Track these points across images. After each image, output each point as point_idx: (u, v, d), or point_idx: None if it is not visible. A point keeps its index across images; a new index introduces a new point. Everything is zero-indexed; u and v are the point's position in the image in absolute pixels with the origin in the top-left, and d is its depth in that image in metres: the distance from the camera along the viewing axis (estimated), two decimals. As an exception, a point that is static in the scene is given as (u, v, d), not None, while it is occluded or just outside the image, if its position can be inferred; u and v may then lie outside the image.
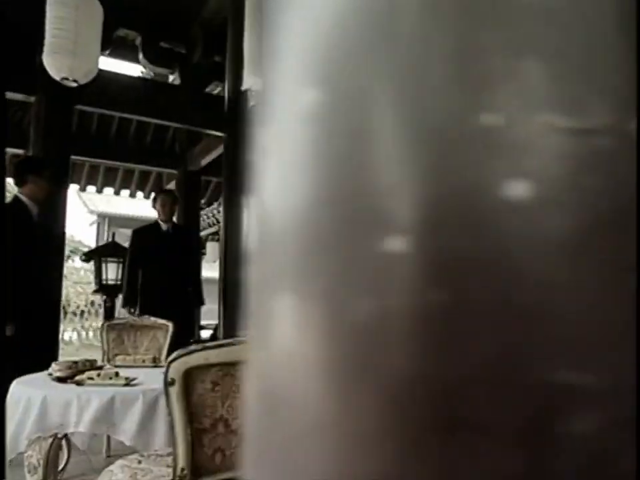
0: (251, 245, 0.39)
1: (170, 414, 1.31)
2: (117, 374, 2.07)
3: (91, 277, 13.78)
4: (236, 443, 1.41)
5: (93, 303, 13.09)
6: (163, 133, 6.32)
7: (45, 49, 2.91)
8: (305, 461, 0.23)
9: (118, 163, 6.40)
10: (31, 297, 3.44)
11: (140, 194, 7.29)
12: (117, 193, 6.99)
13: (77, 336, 12.52)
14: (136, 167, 6.57)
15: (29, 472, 1.91)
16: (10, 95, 4.18)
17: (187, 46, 5.88)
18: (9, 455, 1.94)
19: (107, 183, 6.85)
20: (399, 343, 0.20)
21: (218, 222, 8.76)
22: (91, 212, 19.71)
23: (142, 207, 11.35)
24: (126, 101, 4.45)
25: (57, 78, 2.98)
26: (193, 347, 1.31)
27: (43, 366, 3.66)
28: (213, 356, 1.31)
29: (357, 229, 0.22)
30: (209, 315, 8.02)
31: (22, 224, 3.34)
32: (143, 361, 2.65)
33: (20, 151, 5.36)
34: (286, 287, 0.25)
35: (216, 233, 9.42)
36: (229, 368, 1.34)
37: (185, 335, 3.82)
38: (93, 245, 20.23)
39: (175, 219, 4.51)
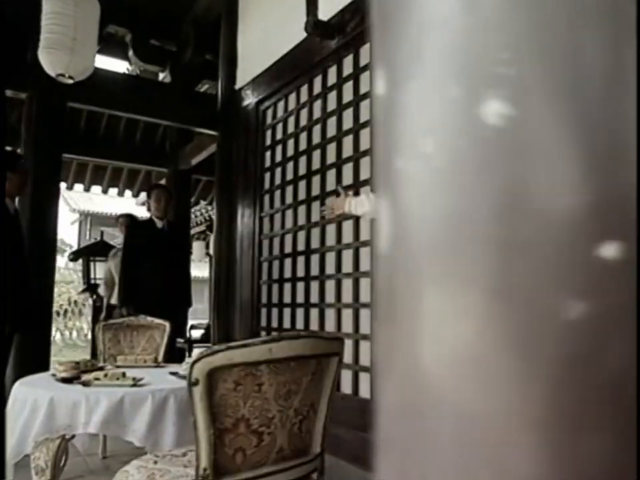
0: (388, 245, 0.39)
1: (193, 414, 1.31)
2: (124, 374, 2.06)
3: (75, 276, 13.61)
4: (256, 443, 1.41)
5: (76, 303, 12.93)
6: (152, 131, 6.27)
7: (41, 44, 2.86)
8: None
9: (106, 161, 6.33)
10: (19, 296, 3.38)
11: (128, 192, 7.24)
12: (104, 191, 6.92)
13: (59, 336, 12.36)
14: (125, 165, 6.51)
15: (37, 474, 1.89)
16: (-3, 91, 4.11)
17: (177, 44, 5.83)
18: (15, 457, 1.92)
19: (94, 181, 6.77)
20: (620, 344, 0.21)
21: (205, 220, 8.72)
22: (73, 210, 19.47)
23: (125, 206, 11.24)
24: (117, 99, 4.41)
25: (53, 74, 2.94)
26: (216, 347, 1.31)
27: (37, 366, 3.63)
28: (236, 356, 1.31)
29: (575, 233, 0.23)
30: (194, 314, 8.00)
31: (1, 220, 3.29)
32: (145, 361, 2.64)
33: (7, 148, 5.27)
34: (473, 285, 0.26)
35: (203, 232, 9.37)
36: (251, 367, 1.34)
37: (177, 335, 3.80)
38: (75, 244, 19.98)
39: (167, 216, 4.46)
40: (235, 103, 4.74)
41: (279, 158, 4.22)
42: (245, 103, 4.62)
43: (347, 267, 3.37)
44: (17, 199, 3.51)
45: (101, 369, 2.45)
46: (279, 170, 4.20)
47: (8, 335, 3.39)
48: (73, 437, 1.98)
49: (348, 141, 3.45)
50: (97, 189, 6.90)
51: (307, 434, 1.56)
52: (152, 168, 6.41)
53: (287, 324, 3.89)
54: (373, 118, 0.43)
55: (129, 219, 4.79)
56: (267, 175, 4.33)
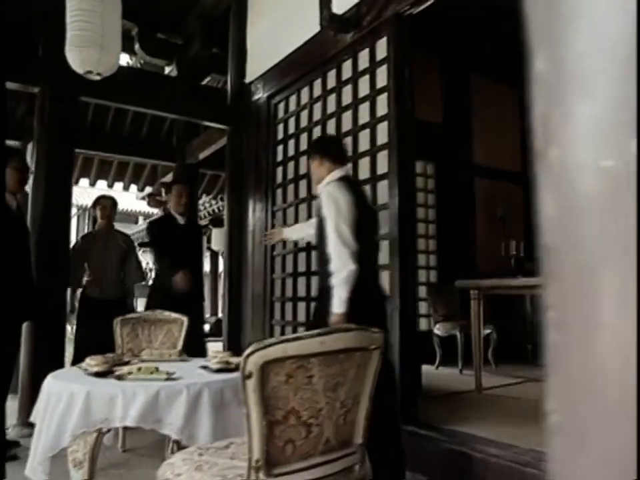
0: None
1: (245, 406, 1.33)
2: (157, 369, 2.07)
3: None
4: (305, 434, 1.43)
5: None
6: (158, 125, 6.25)
7: (69, 42, 2.84)
8: None
9: (112, 155, 6.31)
10: (25, 289, 3.40)
11: (119, 186, 7.17)
12: (110, 185, 6.90)
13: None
14: (131, 159, 6.49)
15: (75, 466, 1.91)
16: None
17: (184, 37, 5.81)
18: (52, 450, 1.93)
19: (100, 176, 6.75)
20: None
21: (209, 214, 8.71)
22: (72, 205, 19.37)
23: (123, 200, 11.18)
24: (127, 93, 4.37)
25: (81, 71, 2.92)
26: (270, 341, 1.32)
27: (52, 359, 3.65)
28: (289, 349, 1.33)
29: None
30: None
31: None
32: (170, 355, 2.65)
33: (16, 143, 5.26)
34: None
35: (205, 226, 9.36)
36: (303, 360, 1.36)
37: (201, 329, 3.80)
38: (73, 238, 19.95)
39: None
40: (245, 97, 4.74)
41: (291, 152, 4.22)
42: (255, 97, 4.62)
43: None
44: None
45: (127, 363, 2.46)
46: (291, 164, 4.20)
47: (16, 327, 3.42)
48: (109, 430, 2.00)
49: (364, 135, 3.46)
50: (99, 184, 6.87)
51: (350, 425, 1.58)
52: (158, 162, 6.39)
53: (301, 317, 3.90)
54: (534, 113, 0.44)
55: (111, 202, 4.45)
56: (279, 169, 4.33)
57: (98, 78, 3.11)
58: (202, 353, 3.72)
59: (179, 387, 1.94)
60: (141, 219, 18.62)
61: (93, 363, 2.15)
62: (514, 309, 6.06)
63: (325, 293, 2.50)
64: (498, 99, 6.70)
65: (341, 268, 2.39)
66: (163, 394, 1.90)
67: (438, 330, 5.29)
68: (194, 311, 3.78)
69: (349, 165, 3.17)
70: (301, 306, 3.93)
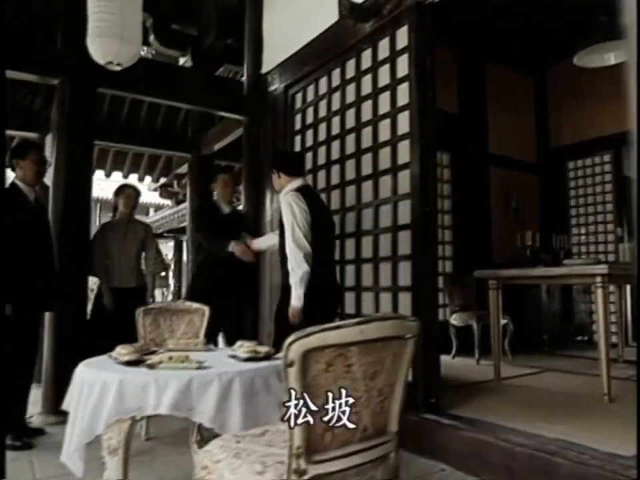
0: None
1: (287, 394, 1.34)
2: (187, 357, 2.09)
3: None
4: (344, 422, 1.44)
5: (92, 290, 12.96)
6: (173, 116, 6.27)
7: (90, 32, 2.85)
8: None
9: (128, 147, 6.33)
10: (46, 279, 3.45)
11: (133, 178, 7.18)
12: (125, 176, 6.93)
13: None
14: (146, 150, 6.51)
15: (109, 453, 1.93)
16: (21, 75, 4.10)
17: (198, 28, 5.80)
18: (87, 438, 1.95)
19: (115, 167, 6.79)
20: None
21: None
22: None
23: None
24: (145, 84, 4.37)
25: (102, 62, 2.94)
26: (311, 329, 1.33)
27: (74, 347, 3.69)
28: (330, 337, 1.33)
29: None
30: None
31: (19, 208, 3.33)
32: (195, 345, 2.67)
33: (33, 135, 5.30)
34: None
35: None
36: (343, 349, 1.37)
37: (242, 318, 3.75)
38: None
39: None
40: (261, 87, 4.73)
41: (309, 142, 4.22)
42: (272, 87, 4.61)
43: (385, 250, 3.39)
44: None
45: (154, 352, 2.48)
46: (309, 154, 4.20)
47: (36, 317, 3.48)
48: (142, 418, 2.02)
49: (384, 125, 3.45)
50: (114, 175, 6.91)
51: (386, 414, 1.58)
52: (173, 153, 6.42)
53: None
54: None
55: (135, 191, 4.42)
56: (297, 160, 4.33)
57: (118, 68, 3.13)
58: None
59: (211, 376, 1.95)
60: (152, 211, 18.69)
61: (123, 352, 2.17)
62: (528, 299, 6.05)
63: (287, 289, 2.93)
64: (514, 88, 6.65)
65: (296, 269, 2.84)
66: (195, 383, 1.92)
67: (454, 320, 5.29)
68: (242, 295, 3.72)
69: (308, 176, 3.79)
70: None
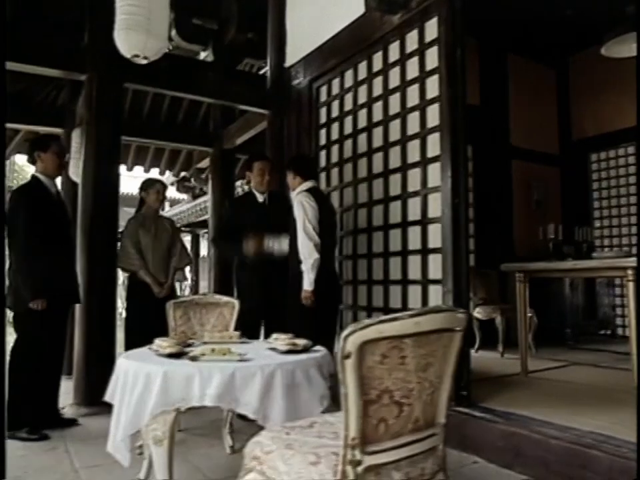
0: None
1: (343, 386, 1.35)
2: (229, 350, 2.11)
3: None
4: (397, 414, 1.45)
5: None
6: (195, 111, 6.29)
7: (117, 25, 2.88)
8: None
9: (149, 141, 6.37)
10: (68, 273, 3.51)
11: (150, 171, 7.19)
12: (146, 171, 6.97)
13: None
14: (167, 144, 6.54)
15: (155, 444, 1.96)
16: (47, 71, 4.14)
17: (220, 22, 5.80)
18: (133, 428, 1.99)
19: (137, 162, 6.83)
20: None
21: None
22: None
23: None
24: (169, 78, 4.40)
25: (128, 55, 2.97)
26: (367, 321, 1.34)
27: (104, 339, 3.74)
28: (386, 329, 1.34)
29: None
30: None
31: (41, 201, 3.37)
32: (230, 337, 2.69)
33: (58, 130, 5.35)
34: None
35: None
36: (398, 340, 1.37)
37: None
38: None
39: None
40: (285, 81, 4.73)
41: (335, 135, 4.22)
42: (296, 81, 4.61)
43: (414, 243, 3.39)
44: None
45: (190, 345, 2.51)
46: (335, 147, 4.20)
47: (63, 311, 3.53)
48: (186, 410, 2.04)
49: (413, 118, 3.44)
50: (142, 169, 6.95)
51: (435, 405, 1.59)
52: (194, 147, 6.44)
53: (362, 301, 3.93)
54: None
55: (164, 186, 4.41)
56: (323, 153, 4.33)
57: (145, 62, 3.15)
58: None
59: (254, 368, 1.97)
60: (167, 205, 18.79)
61: (165, 344, 2.19)
62: (551, 293, 6.01)
63: (297, 277, 3.32)
64: (535, 79, 6.59)
65: (308, 257, 3.26)
66: (239, 375, 1.94)
67: (478, 313, 5.28)
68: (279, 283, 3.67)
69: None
70: (348, 289, 3.95)
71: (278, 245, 3.63)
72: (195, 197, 12.43)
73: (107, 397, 2.25)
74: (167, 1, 3.04)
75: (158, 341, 2.28)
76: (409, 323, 1.37)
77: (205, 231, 12.71)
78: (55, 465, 2.82)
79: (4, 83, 3.67)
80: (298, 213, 3.35)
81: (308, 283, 3.28)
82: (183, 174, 7.81)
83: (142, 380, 1.98)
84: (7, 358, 3.27)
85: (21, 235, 3.22)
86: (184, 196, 13.57)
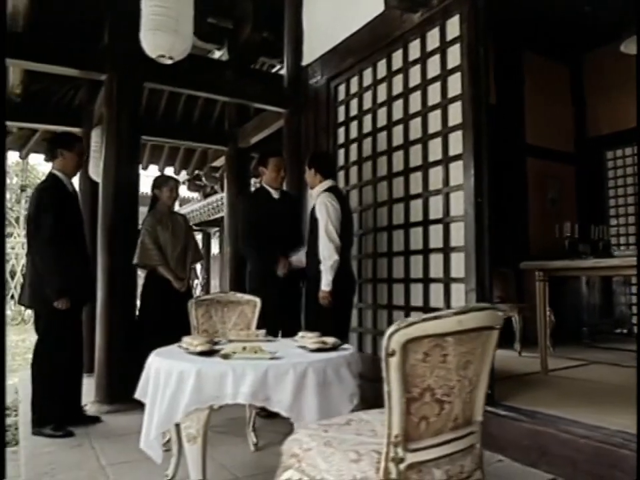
0: None
1: (387, 384, 1.35)
2: (260, 348, 2.12)
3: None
4: (438, 411, 1.45)
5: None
6: (210, 110, 6.30)
7: (144, 26, 2.89)
8: None
9: (164, 140, 6.38)
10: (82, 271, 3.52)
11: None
12: (161, 170, 6.99)
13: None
14: (182, 143, 6.56)
15: (188, 441, 1.97)
16: (66, 70, 4.15)
17: (235, 21, 5.81)
18: (166, 426, 2.00)
19: (152, 161, 6.85)
20: None
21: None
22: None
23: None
24: (188, 78, 4.38)
25: (153, 56, 2.98)
26: (411, 319, 1.34)
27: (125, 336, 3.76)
28: (429, 327, 1.35)
29: None
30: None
31: (63, 200, 3.40)
32: (257, 335, 2.70)
33: (76, 129, 5.37)
34: None
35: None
36: (440, 339, 1.38)
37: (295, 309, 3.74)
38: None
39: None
40: (302, 79, 4.74)
41: (354, 134, 4.22)
42: (313, 79, 4.61)
43: (436, 242, 3.39)
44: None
45: (216, 343, 2.52)
46: (354, 146, 4.20)
47: (78, 308, 3.54)
48: (219, 407, 2.05)
49: (434, 116, 3.44)
50: (157, 168, 6.98)
51: (472, 403, 1.60)
52: (210, 146, 6.45)
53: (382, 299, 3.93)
54: None
55: (178, 183, 4.43)
56: (341, 151, 4.33)
57: (170, 62, 3.16)
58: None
59: (286, 366, 1.98)
60: (177, 204, 18.83)
61: (195, 342, 2.21)
62: (568, 291, 5.99)
63: (315, 277, 3.34)
64: (550, 76, 6.56)
65: (328, 258, 3.27)
66: (271, 372, 1.95)
67: (495, 312, 5.25)
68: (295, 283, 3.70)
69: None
70: (368, 287, 3.95)
71: (299, 259, 3.66)
72: (205, 196, 12.46)
73: (138, 395, 2.27)
74: (192, 1, 3.04)
75: (187, 339, 2.29)
76: (452, 321, 1.37)
77: (216, 229, 12.74)
78: (82, 461, 2.85)
79: (4, 82, 3.77)
80: (320, 213, 3.35)
81: (326, 284, 3.30)
82: (197, 173, 7.82)
83: (175, 378, 2.00)
84: (29, 357, 3.38)
85: (47, 233, 3.23)
86: (194, 195, 13.62)
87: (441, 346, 1.40)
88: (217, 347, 2.26)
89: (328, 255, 3.28)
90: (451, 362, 1.43)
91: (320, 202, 3.38)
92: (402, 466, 1.39)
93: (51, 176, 3.47)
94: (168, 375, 2.03)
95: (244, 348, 2.12)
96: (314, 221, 3.42)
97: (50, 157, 3.53)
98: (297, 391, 1.97)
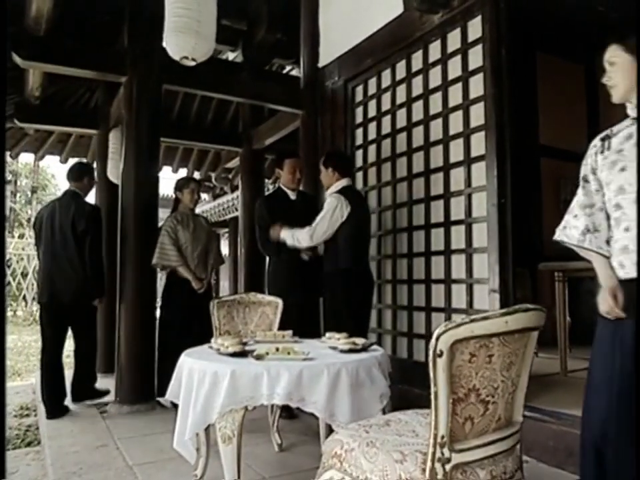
0: None
1: (434, 384, 1.36)
2: (293, 349, 2.13)
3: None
4: (482, 412, 1.46)
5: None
6: (223, 111, 6.33)
7: (167, 27, 2.91)
8: None
9: (178, 141, 6.41)
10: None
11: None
12: (175, 171, 7.02)
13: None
14: (195, 145, 6.59)
15: (224, 442, 1.98)
16: (85, 73, 4.18)
17: (249, 23, 5.82)
18: (201, 426, 2.01)
19: (166, 162, 6.87)
20: None
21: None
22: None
23: (167, 186, 11.34)
24: (205, 80, 4.37)
25: (177, 57, 3.00)
26: (459, 320, 1.35)
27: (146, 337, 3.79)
28: (477, 328, 1.35)
29: None
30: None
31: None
32: (283, 336, 2.71)
33: (93, 131, 5.40)
34: None
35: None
36: (486, 339, 1.39)
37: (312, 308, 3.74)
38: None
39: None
40: (319, 80, 4.74)
41: (372, 135, 4.22)
42: (330, 81, 4.62)
43: (458, 243, 3.39)
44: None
45: (245, 344, 2.53)
46: (372, 147, 4.21)
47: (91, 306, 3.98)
48: (254, 408, 2.07)
49: (456, 117, 3.44)
50: (170, 169, 7.00)
51: (513, 404, 1.61)
52: (223, 147, 6.47)
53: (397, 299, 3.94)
54: None
55: (199, 185, 4.45)
56: (359, 152, 4.34)
57: (193, 64, 3.18)
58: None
59: (320, 367, 1.99)
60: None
61: (227, 343, 2.22)
62: (582, 292, 5.96)
63: (332, 277, 3.40)
64: (564, 77, 6.53)
65: (298, 243, 3.43)
66: (306, 373, 1.96)
67: (511, 312, 5.24)
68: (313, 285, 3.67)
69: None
70: (387, 287, 3.96)
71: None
72: (215, 197, 12.50)
73: (168, 395, 2.29)
74: (215, 3, 3.06)
75: (219, 340, 2.30)
76: (499, 322, 1.38)
77: (226, 230, 12.76)
78: (109, 461, 2.86)
79: (4, 82, 3.80)
80: (325, 209, 3.38)
81: (288, 237, 3.46)
82: (210, 174, 7.85)
83: (209, 379, 2.01)
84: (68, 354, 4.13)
85: (99, 244, 3.97)
86: (204, 196, 13.66)
87: (486, 346, 1.40)
88: (247, 348, 2.27)
89: (302, 241, 3.42)
90: (495, 362, 1.43)
91: (329, 201, 3.40)
92: (448, 466, 1.39)
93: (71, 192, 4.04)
94: (202, 375, 2.04)
95: (277, 349, 2.13)
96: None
97: (77, 179, 4.05)
98: (331, 391, 1.98)
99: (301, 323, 3.65)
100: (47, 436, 3.38)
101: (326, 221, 3.36)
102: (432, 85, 3.64)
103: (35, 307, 12.12)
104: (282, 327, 3.21)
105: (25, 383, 5.72)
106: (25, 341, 9.10)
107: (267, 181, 8.04)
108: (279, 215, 3.70)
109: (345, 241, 3.37)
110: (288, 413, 3.48)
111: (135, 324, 3.86)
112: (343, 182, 3.49)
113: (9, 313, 12.00)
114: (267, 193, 5.50)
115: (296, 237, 3.44)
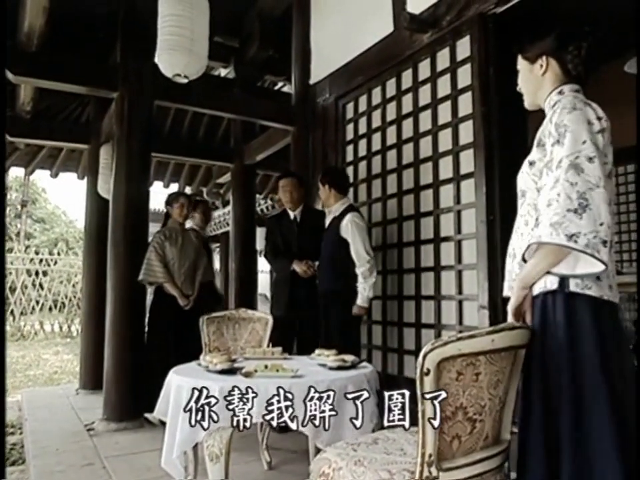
0: None
1: (422, 402, 1.36)
2: (282, 366, 2.13)
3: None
4: (470, 430, 1.46)
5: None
6: (215, 126, 6.35)
7: (160, 46, 2.94)
8: None
9: (169, 156, 6.42)
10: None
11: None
12: (166, 186, 7.02)
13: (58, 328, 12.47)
14: (188, 160, 6.60)
15: (211, 460, 1.97)
16: (77, 88, 4.19)
17: (241, 39, 5.87)
18: (189, 444, 2.00)
19: (157, 177, 6.87)
20: None
21: (258, 214, 8.78)
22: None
23: (158, 201, 11.32)
24: (196, 96, 4.39)
25: (169, 75, 3.03)
26: (445, 338, 1.36)
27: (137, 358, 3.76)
28: (464, 346, 1.36)
29: None
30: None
31: None
32: (272, 353, 2.70)
33: (84, 146, 5.41)
34: None
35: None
36: (473, 358, 1.39)
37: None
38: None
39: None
40: (310, 97, 4.78)
41: (362, 152, 4.25)
42: (321, 97, 4.66)
43: (447, 259, 3.41)
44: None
45: (234, 361, 2.52)
46: (363, 164, 4.24)
47: None
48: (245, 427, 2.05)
49: (445, 135, 3.47)
50: (161, 185, 7.00)
51: (500, 422, 1.61)
52: (215, 163, 6.48)
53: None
54: None
55: (189, 200, 4.47)
56: (350, 169, 4.37)
57: (185, 81, 3.21)
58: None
59: (308, 385, 1.98)
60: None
61: (215, 360, 2.21)
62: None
63: (334, 293, 3.47)
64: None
65: (370, 276, 3.41)
66: (295, 391, 1.94)
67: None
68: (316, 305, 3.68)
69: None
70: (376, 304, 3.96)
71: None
72: (206, 212, 12.46)
73: (157, 413, 2.27)
74: (207, 21, 3.09)
75: (207, 357, 2.29)
76: (485, 340, 1.39)
77: (217, 245, 12.73)
78: (95, 482, 2.83)
79: (4, 90, 3.80)
80: (353, 234, 3.42)
81: (365, 300, 3.42)
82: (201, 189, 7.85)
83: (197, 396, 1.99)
84: None
85: None
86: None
87: (473, 365, 1.41)
88: (236, 365, 2.26)
89: (370, 274, 3.42)
90: (482, 381, 1.44)
91: (350, 221, 3.44)
92: (435, 485, 1.39)
93: None
94: (189, 393, 2.02)
95: (266, 366, 2.12)
96: (338, 240, 3.47)
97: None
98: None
99: (300, 337, 3.71)
100: (31, 454, 3.34)
101: (368, 240, 3.50)
102: (422, 103, 3.68)
103: (22, 322, 11.99)
104: (277, 341, 3.23)
105: (11, 400, 5.63)
106: (13, 357, 8.99)
107: (258, 196, 8.05)
108: (280, 236, 3.91)
109: (342, 260, 3.46)
110: (279, 426, 3.45)
111: (123, 340, 3.83)
112: (346, 199, 3.64)
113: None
114: (272, 213, 5.56)
115: (369, 284, 3.43)
